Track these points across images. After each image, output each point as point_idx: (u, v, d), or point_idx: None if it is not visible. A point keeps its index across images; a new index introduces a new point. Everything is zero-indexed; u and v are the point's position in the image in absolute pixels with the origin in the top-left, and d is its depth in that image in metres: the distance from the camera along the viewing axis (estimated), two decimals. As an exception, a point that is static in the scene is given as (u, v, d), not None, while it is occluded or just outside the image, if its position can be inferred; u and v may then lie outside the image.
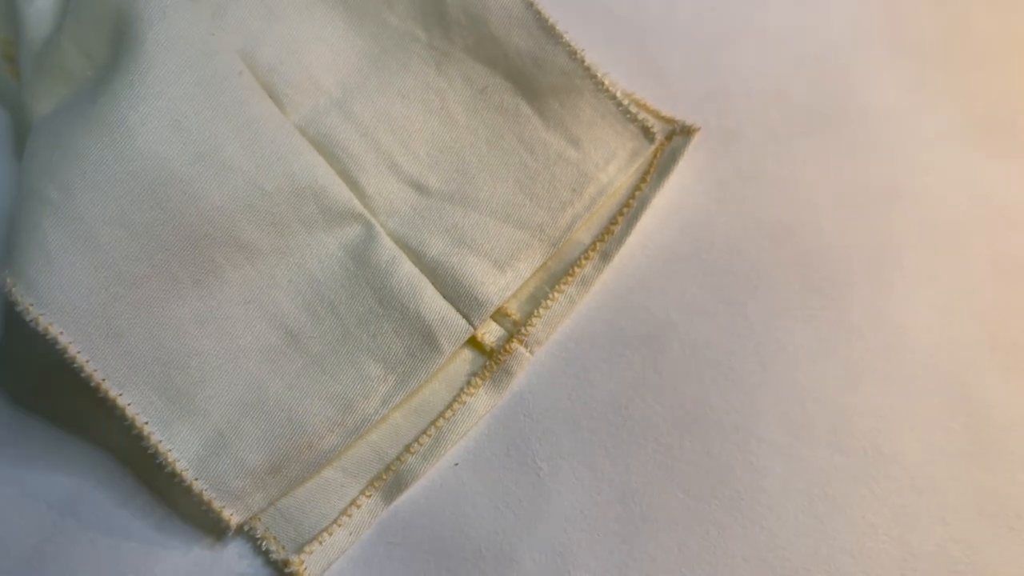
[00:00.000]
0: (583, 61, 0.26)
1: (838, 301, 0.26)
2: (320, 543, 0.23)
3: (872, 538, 0.23)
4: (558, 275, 0.26)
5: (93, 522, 0.23)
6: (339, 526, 0.23)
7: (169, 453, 0.22)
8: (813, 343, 0.25)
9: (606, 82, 0.26)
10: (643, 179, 0.26)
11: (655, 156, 0.26)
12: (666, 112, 0.27)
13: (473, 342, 0.25)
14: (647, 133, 0.26)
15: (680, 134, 0.27)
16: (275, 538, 0.23)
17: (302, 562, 0.23)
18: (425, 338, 0.24)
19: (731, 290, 0.26)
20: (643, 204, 0.26)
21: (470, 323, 0.24)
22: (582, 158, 0.25)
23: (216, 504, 0.22)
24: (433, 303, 0.24)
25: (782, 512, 0.23)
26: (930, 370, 0.25)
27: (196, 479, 0.22)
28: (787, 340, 0.25)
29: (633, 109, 0.26)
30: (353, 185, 0.25)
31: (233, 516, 0.22)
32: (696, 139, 0.26)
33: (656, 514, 0.23)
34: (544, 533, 0.23)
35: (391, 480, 0.24)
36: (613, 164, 0.26)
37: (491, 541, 0.23)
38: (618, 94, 0.26)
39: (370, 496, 0.24)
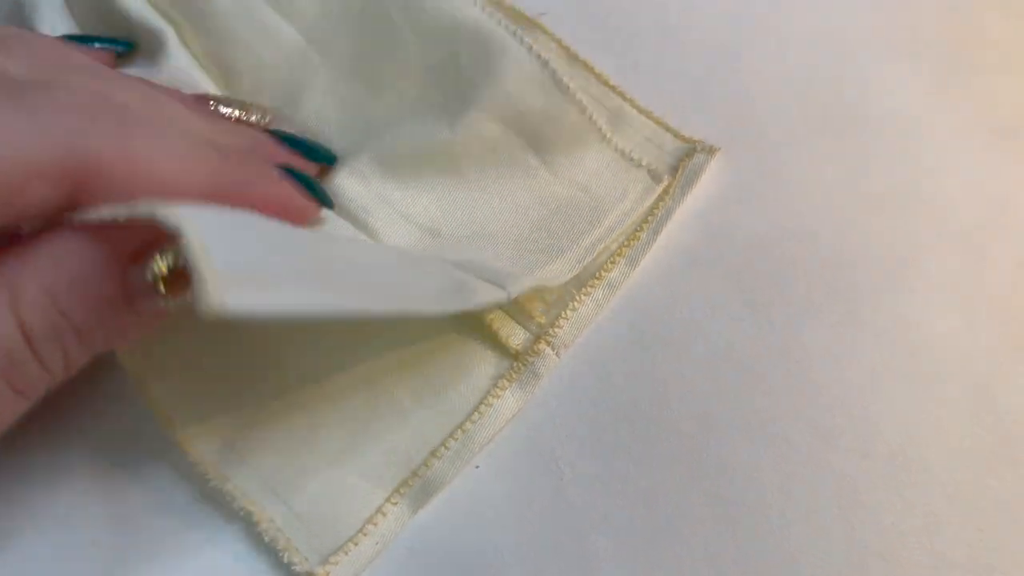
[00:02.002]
0: (591, 117, 0.26)
1: (861, 304, 0.25)
2: (346, 553, 0.22)
3: (903, 545, 0.23)
4: (584, 279, 0.25)
5: (110, 526, 0.23)
6: (365, 535, 0.23)
7: None
8: (837, 346, 0.25)
9: (609, 134, 0.26)
10: (666, 191, 0.26)
11: (678, 171, 0.27)
12: (692, 123, 0.27)
13: (497, 344, 0.25)
14: (654, 175, 0.26)
15: (701, 152, 0.27)
16: (297, 549, 0.22)
17: (327, 573, 0.22)
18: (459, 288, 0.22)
19: (754, 292, 0.26)
20: (668, 214, 0.26)
21: (504, 289, 0.22)
22: (594, 199, 0.26)
23: None
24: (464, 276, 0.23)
25: (812, 517, 0.23)
26: (955, 374, 0.25)
27: None
28: (811, 343, 0.25)
29: (636, 155, 0.26)
30: (363, 227, 0.25)
31: None
32: (717, 157, 0.27)
33: (682, 519, 0.23)
34: (568, 538, 0.23)
35: (418, 486, 0.23)
36: (627, 200, 0.26)
37: (514, 546, 0.23)
38: (622, 144, 0.26)
39: (396, 503, 0.23)
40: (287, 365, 0.24)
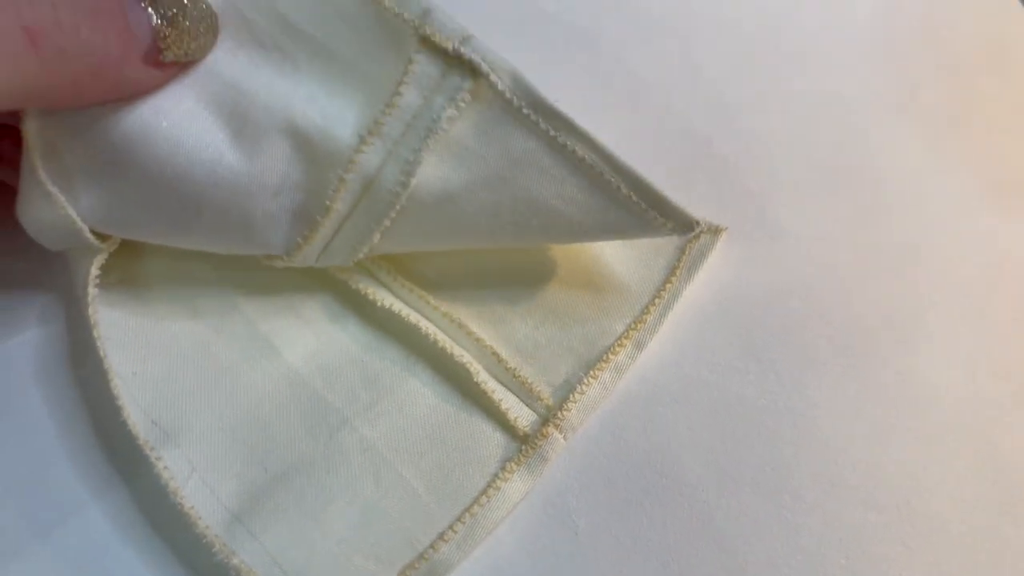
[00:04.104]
0: None
1: (864, 359, 0.26)
2: None
3: (910, 596, 0.23)
4: (591, 362, 0.26)
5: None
6: None
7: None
8: (842, 400, 0.26)
9: None
10: (673, 273, 0.27)
11: (684, 253, 0.27)
12: (695, 183, 0.28)
13: (505, 425, 0.25)
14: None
15: (707, 233, 0.27)
16: None
17: None
18: None
19: (760, 347, 0.26)
20: (675, 296, 0.27)
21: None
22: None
23: None
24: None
25: (820, 569, 0.23)
26: (958, 427, 0.25)
27: None
28: (817, 397, 0.26)
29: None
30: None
31: None
32: (723, 237, 0.27)
33: (695, 573, 0.23)
34: (582, 591, 0.23)
35: (424, 570, 0.23)
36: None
37: (529, 599, 0.23)
38: None
39: None
40: (298, 438, 0.24)
